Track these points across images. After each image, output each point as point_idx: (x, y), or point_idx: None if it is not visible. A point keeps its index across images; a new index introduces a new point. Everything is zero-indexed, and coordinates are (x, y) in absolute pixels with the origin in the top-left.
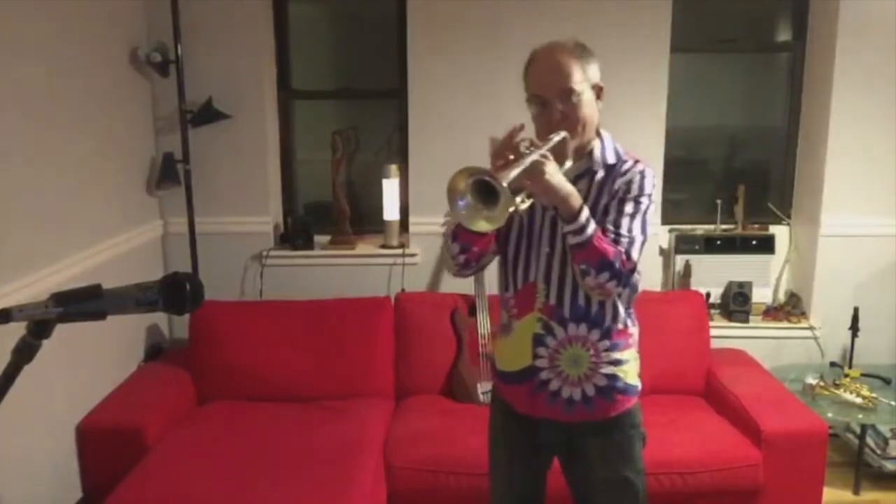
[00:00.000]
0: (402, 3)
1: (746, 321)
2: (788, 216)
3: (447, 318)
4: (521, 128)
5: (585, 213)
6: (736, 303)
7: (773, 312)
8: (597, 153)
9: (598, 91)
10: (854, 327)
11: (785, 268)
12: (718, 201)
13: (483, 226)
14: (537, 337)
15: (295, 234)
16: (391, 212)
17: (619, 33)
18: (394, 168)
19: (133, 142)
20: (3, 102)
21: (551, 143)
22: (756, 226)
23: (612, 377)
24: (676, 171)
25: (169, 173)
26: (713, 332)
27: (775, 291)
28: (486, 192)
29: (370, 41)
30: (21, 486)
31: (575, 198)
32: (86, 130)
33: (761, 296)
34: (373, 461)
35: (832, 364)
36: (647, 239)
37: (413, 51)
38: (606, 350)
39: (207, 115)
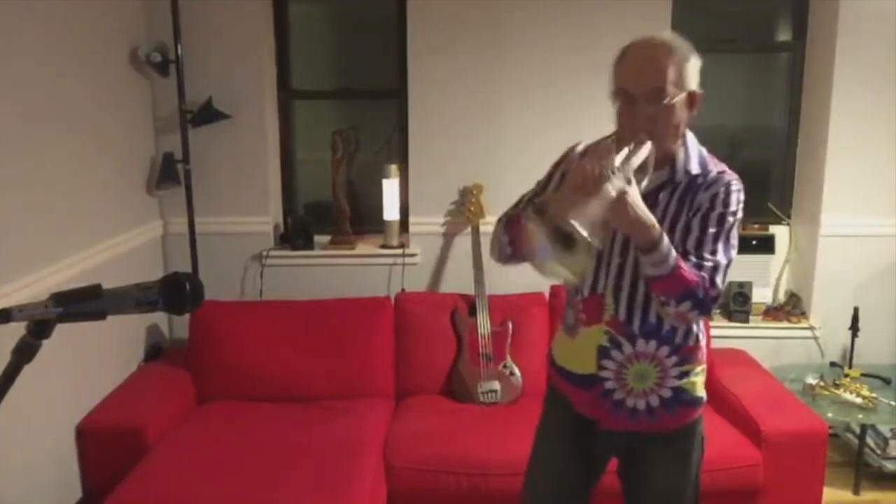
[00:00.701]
0: (402, 3)
1: (746, 321)
2: (788, 216)
3: (447, 318)
4: (611, 149)
5: (666, 242)
6: (736, 303)
7: (773, 312)
8: (679, 162)
9: (692, 99)
10: (854, 327)
11: (785, 268)
12: None
13: (564, 274)
14: (603, 349)
15: (295, 234)
16: (391, 212)
17: (619, 33)
18: (394, 168)
19: (133, 142)
20: (3, 102)
21: (635, 164)
22: (756, 226)
23: (679, 390)
24: None
25: (169, 173)
26: (713, 332)
27: (775, 291)
28: (563, 236)
29: (370, 41)
30: (21, 486)
31: (654, 228)
32: (86, 130)
33: (761, 296)
34: (373, 461)
35: (832, 364)
36: (732, 261)
37: (413, 51)
38: (675, 365)
39: (207, 115)
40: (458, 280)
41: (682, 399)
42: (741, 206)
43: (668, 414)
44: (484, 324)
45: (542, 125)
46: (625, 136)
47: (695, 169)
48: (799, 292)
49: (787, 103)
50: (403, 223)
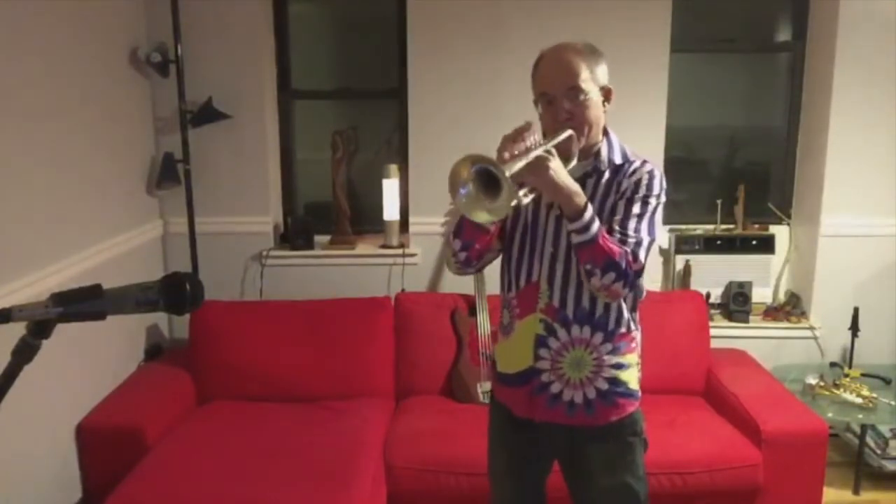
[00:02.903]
0: (402, 3)
1: (746, 321)
2: (788, 216)
3: (447, 318)
4: (529, 126)
5: (590, 211)
6: (736, 303)
7: (773, 312)
8: (603, 153)
9: (606, 93)
10: (854, 327)
11: (785, 268)
12: (718, 201)
13: (484, 217)
14: (539, 338)
15: (295, 234)
16: (391, 212)
17: (620, 33)
18: (394, 168)
19: (133, 142)
20: (3, 102)
21: (557, 140)
22: (756, 226)
23: (614, 381)
24: (676, 171)
25: (169, 173)
26: (713, 332)
27: (775, 291)
28: (489, 181)
29: (370, 41)
30: (21, 486)
31: (579, 196)
32: (86, 130)
33: (761, 296)
34: (373, 461)
35: (832, 364)
36: (655, 240)
37: (413, 51)
38: (609, 353)
39: (207, 115)
40: (458, 280)
41: (617, 391)
42: (664, 190)
43: (605, 406)
44: (484, 324)
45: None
46: (548, 133)
47: (618, 159)
48: (799, 292)
49: (787, 103)
50: (403, 223)
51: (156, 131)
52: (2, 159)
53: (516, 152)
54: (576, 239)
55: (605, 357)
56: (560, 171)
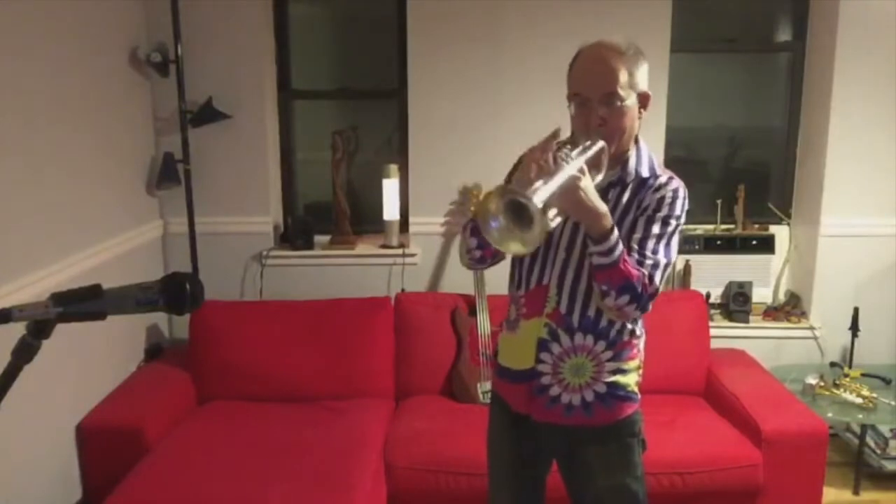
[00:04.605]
0: (402, 3)
1: (746, 321)
2: (788, 216)
3: (447, 318)
4: (558, 134)
5: (615, 234)
6: (736, 303)
7: (773, 312)
8: (632, 164)
9: (644, 100)
10: (854, 327)
11: (785, 268)
12: (718, 201)
13: (517, 248)
14: (542, 342)
15: (295, 234)
16: (391, 212)
17: (620, 34)
18: (394, 168)
19: (133, 142)
20: (3, 102)
21: (589, 154)
22: (756, 226)
23: (613, 385)
24: (676, 171)
25: (169, 173)
26: (713, 332)
27: (775, 291)
28: (520, 212)
29: (370, 41)
30: (21, 486)
31: (606, 218)
32: (86, 130)
33: (761, 296)
34: (373, 461)
35: (832, 364)
36: (671, 263)
37: (413, 51)
38: (610, 360)
39: (207, 115)
40: (458, 280)
41: (617, 394)
42: (685, 212)
43: (603, 408)
44: (484, 324)
45: (542, 125)
46: (580, 136)
47: (645, 172)
48: (799, 292)
49: (787, 103)
50: (403, 223)
51: (156, 131)
52: (2, 159)
53: (546, 164)
54: (597, 260)
55: (606, 363)
56: (590, 192)
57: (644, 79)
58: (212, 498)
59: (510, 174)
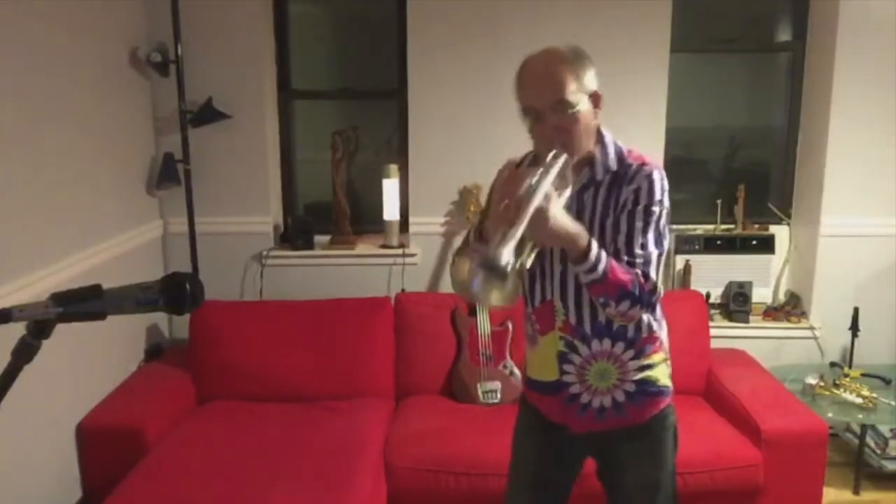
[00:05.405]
0: (402, 3)
1: (746, 321)
2: (788, 216)
3: (447, 318)
4: (524, 175)
5: (594, 249)
6: (736, 303)
7: (773, 312)
8: (598, 162)
9: (596, 100)
10: (854, 327)
11: (785, 268)
12: (718, 201)
13: (499, 299)
14: (562, 354)
15: (295, 234)
16: (391, 212)
17: (619, 33)
18: (394, 168)
19: (133, 142)
20: (3, 102)
21: (553, 173)
22: (756, 226)
23: (642, 382)
24: (676, 171)
25: (169, 173)
26: (713, 332)
27: (775, 291)
28: (493, 266)
29: (370, 41)
30: (21, 486)
31: (580, 237)
32: (86, 130)
33: (761, 296)
34: (373, 461)
35: (832, 364)
36: (664, 250)
37: (413, 51)
38: (633, 359)
39: (207, 115)
40: None
41: (647, 391)
42: (666, 194)
43: (634, 406)
44: (484, 324)
45: None
46: (541, 150)
47: (613, 165)
48: (799, 292)
49: (787, 103)
50: (403, 223)
51: (156, 131)
52: (2, 159)
53: (507, 210)
54: (584, 278)
55: (630, 363)
56: (559, 218)
57: (592, 80)
58: (212, 498)
59: (488, 201)
